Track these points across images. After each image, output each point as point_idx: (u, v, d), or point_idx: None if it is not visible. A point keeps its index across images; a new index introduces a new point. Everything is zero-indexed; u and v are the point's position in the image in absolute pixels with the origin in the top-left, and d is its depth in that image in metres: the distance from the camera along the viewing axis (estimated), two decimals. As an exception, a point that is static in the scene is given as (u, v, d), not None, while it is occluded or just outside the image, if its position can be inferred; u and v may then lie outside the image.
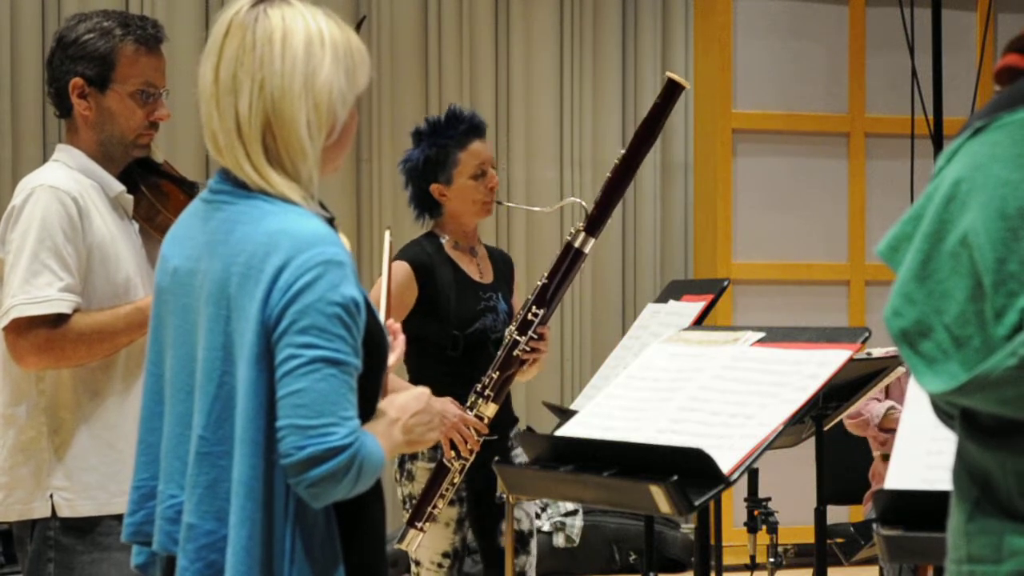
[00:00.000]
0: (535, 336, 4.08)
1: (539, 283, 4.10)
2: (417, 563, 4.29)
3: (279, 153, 2.38)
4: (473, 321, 4.26)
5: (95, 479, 3.15)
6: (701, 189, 7.99)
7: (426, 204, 4.31)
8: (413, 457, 4.25)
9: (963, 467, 1.79)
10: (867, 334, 2.96)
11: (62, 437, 3.15)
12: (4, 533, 6.36)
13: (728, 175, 7.85)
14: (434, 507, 4.10)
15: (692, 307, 4.08)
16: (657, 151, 8.02)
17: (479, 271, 4.35)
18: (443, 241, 4.31)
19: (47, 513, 3.14)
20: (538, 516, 7.08)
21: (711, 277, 7.48)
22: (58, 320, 3.09)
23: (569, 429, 3.07)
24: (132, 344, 3.15)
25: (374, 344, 2.39)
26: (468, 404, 4.12)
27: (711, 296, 4.09)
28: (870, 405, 5.44)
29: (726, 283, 4.27)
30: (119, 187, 3.23)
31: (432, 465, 4.17)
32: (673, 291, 4.31)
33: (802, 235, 7.94)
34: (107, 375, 3.17)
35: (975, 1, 8.01)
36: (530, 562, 4.38)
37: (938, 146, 5.61)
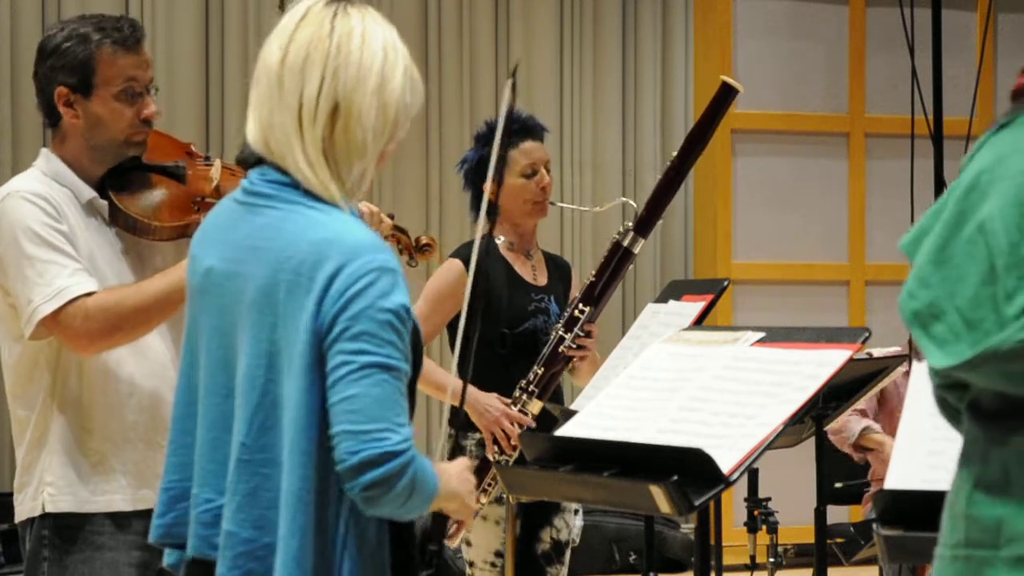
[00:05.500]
0: (581, 333, 4.10)
1: (586, 281, 4.14)
2: (471, 564, 4.30)
3: (337, 144, 2.36)
4: (523, 320, 4.30)
5: (76, 476, 3.13)
6: (701, 189, 7.99)
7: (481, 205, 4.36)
8: (460, 453, 4.27)
9: (967, 452, 1.82)
10: (867, 334, 2.96)
11: (55, 435, 3.15)
12: (3, 533, 6.37)
13: (728, 175, 7.86)
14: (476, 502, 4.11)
15: (692, 307, 4.07)
16: (657, 151, 8.03)
17: (533, 273, 4.39)
18: (498, 242, 4.36)
19: (38, 511, 3.14)
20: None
21: (711, 277, 7.49)
22: (87, 300, 3.06)
23: (569, 429, 3.07)
24: (116, 348, 3.13)
25: (414, 347, 2.38)
26: (513, 400, 4.14)
27: (711, 296, 4.09)
28: (851, 422, 5.47)
29: (726, 283, 4.26)
30: (90, 193, 3.18)
31: (476, 463, 4.19)
32: (673, 291, 4.30)
33: (802, 235, 7.95)
34: (99, 381, 3.15)
35: (975, 1, 8.01)
36: (563, 572, 4.39)
37: (938, 146, 5.60)
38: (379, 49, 2.39)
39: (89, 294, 3.07)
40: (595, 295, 4.11)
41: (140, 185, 3.25)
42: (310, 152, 2.35)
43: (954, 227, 1.76)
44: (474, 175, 4.34)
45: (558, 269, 4.50)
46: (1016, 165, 1.73)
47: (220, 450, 2.38)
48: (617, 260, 4.09)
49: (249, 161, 2.55)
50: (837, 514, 6.23)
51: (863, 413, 5.51)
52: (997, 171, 1.75)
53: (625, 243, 4.09)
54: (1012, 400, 1.74)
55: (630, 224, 4.10)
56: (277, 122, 2.37)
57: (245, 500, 2.33)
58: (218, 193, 3.17)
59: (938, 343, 1.74)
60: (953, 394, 1.82)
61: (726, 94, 3.96)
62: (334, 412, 2.25)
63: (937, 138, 5.61)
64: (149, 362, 3.20)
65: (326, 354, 2.27)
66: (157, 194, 3.25)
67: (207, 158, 3.33)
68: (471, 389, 4.20)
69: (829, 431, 5.51)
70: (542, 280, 4.40)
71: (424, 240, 3.42)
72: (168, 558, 2.54)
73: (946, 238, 1.76)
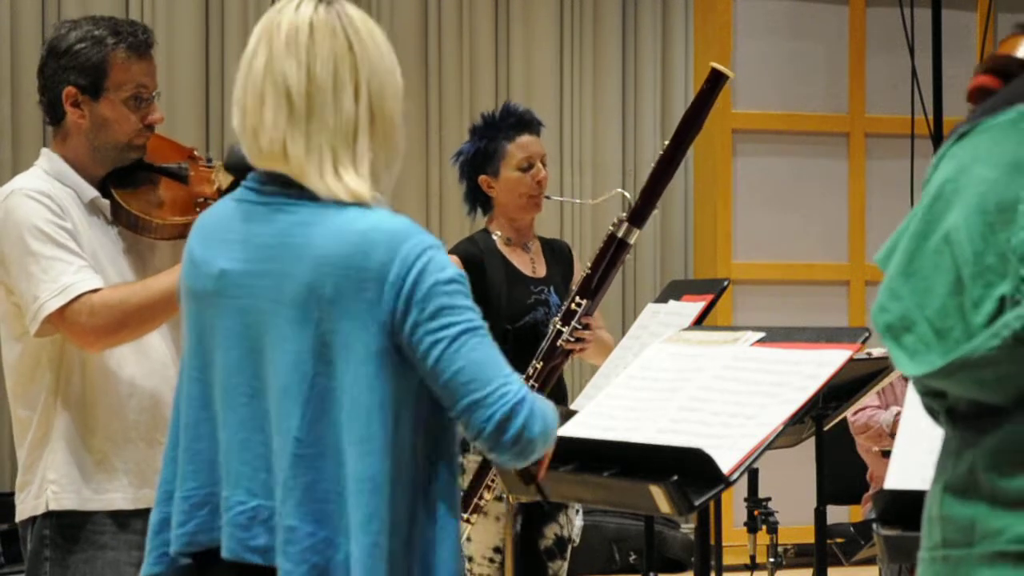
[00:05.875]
0: (579, 326, 4.10)
1: (582, 273, 4.14)
2: (470, 558, 4.30)
3: (379, 155, 2.37)
4: (523, 315, 4.30)
5: (79, 474, 3.14)
6: (701, 189, 7.99)
7: (477, 198, 4.39)
8: (465, 450, 4.26)
9: (943, 456, 1.85)
10: (867, 334, 2.96)
11: (59, 433, 3.15)
12: (4, 533, 6.37)
13: (728, 175, 7.86)
14: (480, 498, 4.11)
15: (692, 307, 4.08)
16: (657, 150, 8.01)
17: (532, 266, 4.39)
18: (495, 237, 4.36)
19: (41, 509, 3.15)
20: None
21: (711, 277, 7.49)
22: (92, 296, 3.06)
23: (569, 429, 3.07)
24: (118, 347, 3.14)
25: None
26: None
27: (711, 296, 4.09)
28: (876, 416, 5.45)
29: (726, 283, 4.27)
30: (92, 193, 3.20)
31: (481, 457, 4.18)
32: (673, 291, 4.31)
33: (802, 235, 7.95)
34: (101, 380, 3.16)
35: (975, 1, 8.01)
36: (564, 567, 4.40)
37: (938, 146, 5.61)
38: (384, 45, 2.43)
39: (95, 291, 3.08)
40: (592, 287, 4.10)
41: (143, 184, 3.27)
42: (340, 165, 2.34)
43: (921, 238, 1.78)
44: (469, 167, 4.35)
45: (556, 255, 4.50)
46: (978, 174, 1.75)
47: (250, 451, 2.37)
48: (613, 251, 4.09)
49: (240, 167, 2.54)
50: (837, 514, 6.23)
51: (877, 408, 5.49)
52: (960, 181, 1.76)
53: (620, 234, 4.09)
54: (985, 406, 1.76)
55: (624, 215, 4.11)
56: (300, 142, 2.35)
57: (305, 494, 2.31)
58: (220, 194, 3.18)
59: (909, 353, 1.76)
60: (935, 401, 1.84)
61: (715, 80, 3.95)
62: (450, 389, 2.28)
63: (937, 138, 5.61)
64: (150, 361, 3.21)
65: (408, 340, 2.28)
66: (159, 193, 3.26)
67: (209, 160, 3.34)
68: None
69: (855, 433, 5.50)
70: (541, 272, 4.40)
71: None
72: (154, 567, 2.48)
73: (913, 250, 1.78)
